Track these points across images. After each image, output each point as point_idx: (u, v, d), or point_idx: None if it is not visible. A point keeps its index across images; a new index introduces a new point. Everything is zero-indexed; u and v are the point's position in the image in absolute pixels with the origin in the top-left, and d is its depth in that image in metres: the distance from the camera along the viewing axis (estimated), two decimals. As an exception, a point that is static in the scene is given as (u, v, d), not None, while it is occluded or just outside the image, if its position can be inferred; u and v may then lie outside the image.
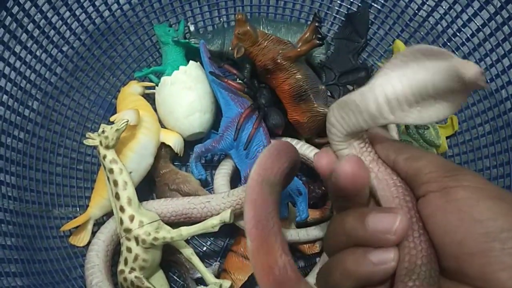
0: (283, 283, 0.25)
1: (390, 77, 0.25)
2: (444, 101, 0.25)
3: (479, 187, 0.25)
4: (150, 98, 0.61)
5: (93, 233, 0.54)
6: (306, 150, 0.55)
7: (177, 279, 0.57)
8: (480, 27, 0.53)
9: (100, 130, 0.51)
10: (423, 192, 0.26)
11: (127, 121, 0.51)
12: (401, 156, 0.28)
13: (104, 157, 0.50)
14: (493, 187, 0.25)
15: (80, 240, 0.54)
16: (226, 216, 0.47)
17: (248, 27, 0.54)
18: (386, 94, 0.25)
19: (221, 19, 0.65)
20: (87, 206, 0.55)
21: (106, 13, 0.59)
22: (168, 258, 0.54)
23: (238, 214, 0.50)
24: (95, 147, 0.51)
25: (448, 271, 0.25)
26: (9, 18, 0.49)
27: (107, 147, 0.50)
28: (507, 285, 0.22)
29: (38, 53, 0.54)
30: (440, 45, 0.58)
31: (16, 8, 0.49)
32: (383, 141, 0.30)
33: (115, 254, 0.53)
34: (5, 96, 0.50)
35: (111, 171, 0.50)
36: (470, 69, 0.23)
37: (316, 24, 0.56)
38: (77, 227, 0.54)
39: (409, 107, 0.25)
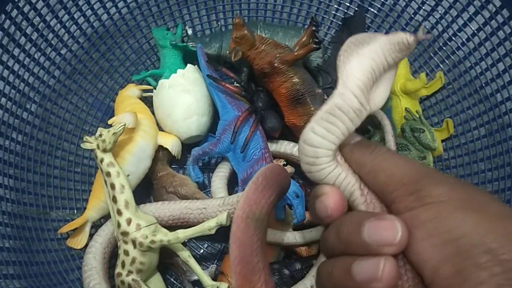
0: None
1: (352, 69, 0.25)
2: (384, 79, 0.26)
3: (442, 201, 0.23)
4: (147, 101, 0.61)
5: (91, 236, 0.54)
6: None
7: (174, 282, 0.57)
8: (476, 31, 0.54)
9: (98, 133, 0.51)
10: (394, 212, 0.25)
11: (124, 125, 0.51)
12: (362, 170, 0.26)
13: (102, 160, 0.50)
14: (457, 196, 0.23)
15: (77, 242, 0.54)
16: (222, 218, 0.47)
17: (246, 31, 0.55)
18: (358, 84, 0.25)
19: (219, 23, 0.66)
20: (85, 208, 0.56)
21: (105, 17, 0.60)
22: (165, 261, 0.55)
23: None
24: (92, 151, 0.52)
25: None
26: (8, 21, 0.49)
27: (104, 151, 0.50)
28: None
29: (36, 56, 0.54)
30: (436, 49, 0.58)
31: (15, 12, 0.49)
32: (344, 156, 0.27)
33: (112, 256, 0.53)
34: (3, 99, 0.50)
35: (108, 174, 0.50)
36: (408, 35, 0.24)
37: (313, 28, 0.56)
38: (74, 229, 0.54)
39: (370, 90, 0.26)
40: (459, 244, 0.21)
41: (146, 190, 0.59)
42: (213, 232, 0.48)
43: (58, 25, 0.55)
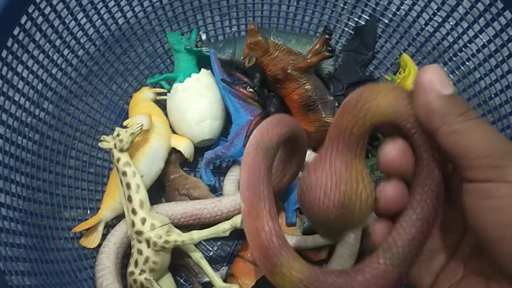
0: (268, 247, 0.28)
1: None
2: None
3: None
4: (161, 104, 0.62)
5: (103, 236, 0.55)
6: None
7: (184, 283, 0.58)
8: (486, 43, 0.55)
9: (115, 133, 0.52)
10: (466, 177, 0.24)
11: (142, 125, 0.52)
12: (446, 127, 0.23)
13: (118, 160, 0.51)
14: None
15: (90, 242, 0.54)
16: (237, 221, 0.48)
17: (260, 37, 0.56)
18: None
19: (232, 29, 0.67)
20: (98, 208, 0.56)
21: (121, 20, 0.61)
22: (177, 262, 0.55)
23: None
24: (108, 150, 0.52)
25: (505, 267, 0.23)
26: (29, 22, 0.50)
27: (121, 150, 0.51)
28: None
29: (54, 57, 0.55)
30: (446, 59, 0.59)
31: (36, 13, 0.50)
32: (428, 99, 0.24)
33: (124, 256, 0.53)
34: (22, 98, 0.51)
35: (124, 174, 0.51)
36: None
37: (327, 36, 0.58)
38: (88, 229, 0.55)
39: None
40: None
41: (158, 192, 0.60)
42: (227, 234, 0.49)
43: (77, 27, 0.56)
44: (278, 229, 0.29)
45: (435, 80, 0.23)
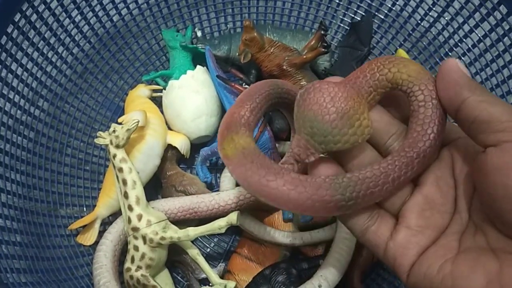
0: (233, 121, 0.31)
1: None
2: None
3: None
4: (156, 101, 0.62)
5: (100, 233, 0.55)
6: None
7: (181, 280, 0.58)
8: (481, 38, 0.55)
9: (111, 129, 0.52)
10: (495, 141, 0.25)
11: (138, 121, 0.52)
12: (475, 97, 0.25)
13: (114, 156, 0.51)
14: None
15: (87, 239, 0.54)
16: (233, 218, 0.48)
17: (255, 34, 0.56)
18: None
19: (228, 26, 0.67)
20: (94, 206, 0.56)
21: (116, 17, 0.61)
22: (173, 258, 0.55)
23: (244, 210, 0.53)
24: (104, 147, 0.52)
25: (509, 225, 0.24)
26: (23, 20, 0.50)
27: (117, 146, 0.51)
28: None
29: (49, 55, 0.55)
30: (442, 55, 0.59)
31: (30, 10, 0.50)
32: (455, 75, 0.27)
33: (121, 253, 0.53)
34: (16, 96, 0.51)
35: (120, 170, 0.51)
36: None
37: (322, 32, 0.57)
38: (84, 226, 0.55)
39: None
40: None
41: (154, 189, 0.60)
42: (223, 231, 0.49)
43: (71, 25, 0.56)
44: (251, 120, 0.32)
45: (460, 65, 0.27)
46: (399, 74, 0.28)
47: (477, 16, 0.54)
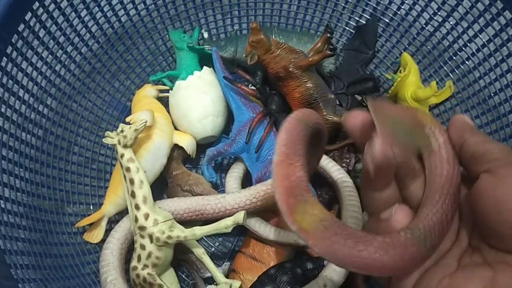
0: (295, 187, 0.28)
1: None
2: None
3: None
4: (163, 102, 0.63)
5: (106, 231, 0.55)
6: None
7: (186, 278, 0.58)
8: (486, 42, 0.55)
9: (119, 129, 0.52)
10: (487, 167, 0.28)
11: (146, 122, 0.52)
12: (474, 137, 0.30)
13: (122, 156, 0.52)
14: None
15: (93, 236, 0.55)
16: (239, 217, 0.49)
17: (262, 36, 0.57)
18: None
19: (234, 27, 0.67)
20: (100, 204, 0.57)
21: (124, 18, 0.61)
22: (179, 257, 0.56)
23: (250, 213, 0.52)
24: (112, 146, 0.53)
25: (502, 240, 0.27)
26: (34, 19, 0.50)
27: (125, 146, 0.52)
28: None
29: (58, 54, 0.55)
30: (446, 59, 0.60)
31: (41, 10, 0.51)
32: (460, 124, 0.31)
33: (127, 251, 0.54)
34: (26, 94, 0.52)
35: (128, 169, 0.52)
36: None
37: (328, 35, 0.58)
38: (91, 224, 0.55)
39: None
40: None
41: (160, 188, 0.61)
42: (229, 230, 0.49)
43: (80, 24, 0.57)
44: (306, 180, 0.29)
45: (465, 117, 0.32)
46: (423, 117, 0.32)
47: (481, 21, 0.55)
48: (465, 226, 0.31)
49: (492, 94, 0.56)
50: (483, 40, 0.56)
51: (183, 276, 0.58)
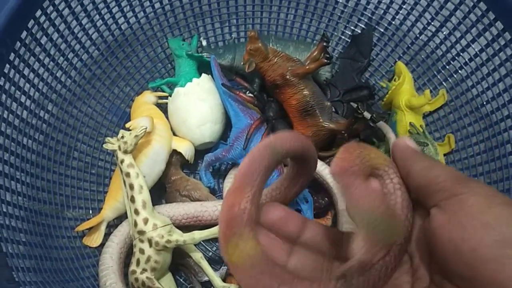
0: (235, 219, 0.28)
1: None
2: None
3: (490, 194, 0.25)
4: (162, 108, 0.63)
5: (105, 236, 0.56)
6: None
7: (184, 283, 0.59)
8: (478, 52, 0.57)
9: (120, 135, 0.53)
10: (435, 201, 0.27)
11: (146, 128, 0.53)
12: (416, 165, 0.29)
13: (122, 161, 0.53)
14: (503, 196, 0.25)
15: (93, 241, 0.56)
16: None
17: (260, 44, 0.58)
18: None
19: (232, 36, 0.69)
20: (99, 209, 0.58)
21: (124, 26, 0.62)
22: (177, 261, 0.57)
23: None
24: (112, 152, 0.54)
25: (463, 279, 0.25)
26: (36, 26, 0.51)
27: (125, 152, 0.53)
28: None
29: (59, 61, 0.56)
30: (439, 68, 0.61)
31: (43, 17, 0.52)
32: (402, 150, 0.31)
33: (126, 256, 0.55)
34: (28, 100, 0.52)
35: (127, 175, 0.52)
36: None
37: (325, 44, 0.59)
38: (90, 228, 0.56)
39: None
40: (501, 231, 0.23)
41: (158, 194, 0.61)
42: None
43: (81, 32, 0.58)
44: (253, 213, 0.29)
45: (406, 140, 0.31)
46: (376, 160, 0.30)
47: (474, 31, 0.57)
48: (423, 261, 0.29)
49: (485, 103, 0.57)
50: (476, 50, 0.57)
51: (181, 280, 0.59)
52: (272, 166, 0.32)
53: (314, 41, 0.68)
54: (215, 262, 0.61)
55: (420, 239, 0.30)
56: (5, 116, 0.50)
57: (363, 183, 0.29)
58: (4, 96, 0.49)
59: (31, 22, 0.50)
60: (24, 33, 0.50)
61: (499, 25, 0.53)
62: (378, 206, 0.28)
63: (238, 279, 0.28)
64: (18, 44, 0.49)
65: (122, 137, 0.53)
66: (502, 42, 0.54)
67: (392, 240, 0.28)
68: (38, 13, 0.51)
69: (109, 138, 0.53)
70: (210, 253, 0.61)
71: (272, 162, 0.31)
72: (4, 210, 0.48)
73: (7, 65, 0.49)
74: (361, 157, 0.30)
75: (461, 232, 0.25)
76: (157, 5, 0.64)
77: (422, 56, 0.63)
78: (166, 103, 0.64)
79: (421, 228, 0.30)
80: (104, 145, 0.53)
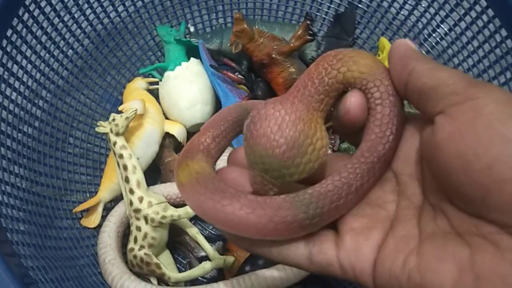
0: (192, 146, 0.29)
1: None
2: None
3: (510, 99, 0.21)
4: (153, 94, 0.65)
5: (103, 217, 0.57)
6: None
7: (182, 260, 0.60)
8: (457, 22, 0.58)
9: (111, 118, 0.55)
10: (443, 106, 0.22)
11: (136, 110, 0.55)
12: (421, 65, 0.24)
13: (115, 143, 0.54)
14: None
15: (91, 221, 0.57)
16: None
17: (245, 25, 0.59)
18: None
19: (219, 21, 0.70)
20: (96, 192, 0.59)
21: (113, 14, 0.64)
22: (174, 239, 0.58)
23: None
24: (105, 135, 0.55)
25: (469, 202, 0.22)
26: (26, 14, 0.53)
27: (117, 134, 0.54)
28: None
29: (52, 49, 0.58)
30: (421, 40, 0.63)
31: (33, 6, 0.53)
32: (404, 50, 0.25)
33: (124, 237, 0.56)
34: (22, 87, 0.54)
35: (121, 156, 0.54)
36: None
37: (308, 22, 0.61)
38: (87, 210, 0.58)
39: None
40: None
41: (153, 176, 0.63)
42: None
43: (71, 21, 0.59)
44: (210, 148, 0.29)
45: (408, 41, 0.26)
46: (350, 73, 0.26)
47: (451, 2, 0.58)
48: (413, 179, 0.26)
49: (466, 70, 0.59)
50: (454, 19, 0.59)
51: (179, 258, 0.60)
52: (240, 121, 0.31)
53: (299, 23, 0.70)
54: (212, 240, 0.62)
55: (409, 155, 0.26)
56: (5, 104, 0.51)
57: (283, 113, 0.25)
58: (3, 85, 0.51)
59: (22, 10, 0.52)
60: (16, 21, 0.51)
61: (483, 2, 0.54)
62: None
63: (184, 198, 0.26)
64: (10, 31, 0.51)
65: (113, 119, 0.54)
66: (479, 9, 0.55)
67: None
68: (28, 1, 0.52)
69: (101, 121, 0.55)
70: (207, 232, 0.63)
71: (240, 117, 0.31)
72: (9, 191, 0.49)
73: (1, 51, 0.50)
74: (320, 75, 0.27)
75: (475, 145, 0.20)
76: (145, -6, 0.66)
77: (404, 31, 0.64)
78: (157, 89, 0.65)
79: (411, 141, 0.26)
80: (96, 129, 0.55)
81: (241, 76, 0.62)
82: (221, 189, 0.25)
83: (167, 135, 0.62)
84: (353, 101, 0.26)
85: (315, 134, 0.25)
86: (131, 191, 0.53)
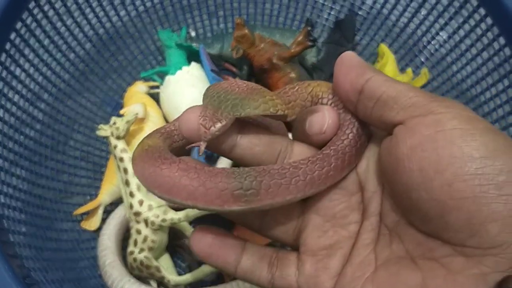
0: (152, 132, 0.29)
1: None
2: None
3: (471, 117, 0.21)
4: (154, 98, 0.65)
5: (103, 220, 0.58)
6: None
7: (181, 264, 0.60)
8: (455, 30, 0.59)
9: (112, 121, 0.55)
10: (405, 116, 0.22)
11: (137, 114, 0.55)
12: (380, 76, 0.23)
13: (115, 146, 0.54)
14: (482, 119, 0.21)
15: (91, 224, 0.57)
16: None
17: (246, 31, 0.60)
18: None
19: (220, 27, 0.71)
20: (97, 195, 0.59)
21: (115, 19, 0.64)
22: (174, 242, 0.58)
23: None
24: (106, 138, 0.56)
25: (429, 221, 0.21)
26: (30, 18, 0.53)
27: (118, 138, 0.54)
28: (496, 240, 0.19)
29: (54, 53, 0.58)
30: (420, 48, 0.64)
31: (36, 9, 0.54)
32: (358, 61, 0.25)
33: (123, 240, 0.56)
34: (24, 89, 0.54)
35: (121, 159, 0.54)
36: None
37: (309, 28, 0.62)
38: (88, 213, 0.58)
39: None
40: (484, 164, 0.19)
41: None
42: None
43: (74, 25, 0.60)
44: (172, 131, 0.29)
45: (356, 54, 0.26)
46: (318, 87, 0.29)
47: (450, 9, 0.59)
48: (371, 197, 0.26)
49: (464, 79, 0.59)
50: (453, 28, 0.60)
51: (179, 261, 0.61)
52: None
53: (300, 29, 0.70)
54: (211, 243, 0.62)
55: (377, 171, 0.26)
56: (8, 106, 0.52)
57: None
58: (6, 88, 0.51)
59: (26, 13, 0.52)
60: (19, 24, 0.51)
61: (474, 1, 0.55)
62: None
63: (134, 171, 0.26)
64: (14, 34, 0.51)
65: (114, 123, 0.55)
66: (477, 18, 0.56)
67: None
68: (32, 4, 0.53)
69: (102, 125, 0.55)
70: (206, 235, 0.63)
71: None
72: (11, 193, 0.49)
73: (4, 54, 0.50)
74: (292, 89, 0.29)
75: (436, 161, 0.20)
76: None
77: (403, 38, 0.65)
78: (158, 93, 0.66)
79: (376, 156, 0.26)
80: (97, 132, 0.55)
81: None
82: (165, 157, 0.25)
83: (168, 139, 0.62)
84: (331, 123, 0.26)
85: (277, 99, 0.26)
86: (132, 194, 0.54)
